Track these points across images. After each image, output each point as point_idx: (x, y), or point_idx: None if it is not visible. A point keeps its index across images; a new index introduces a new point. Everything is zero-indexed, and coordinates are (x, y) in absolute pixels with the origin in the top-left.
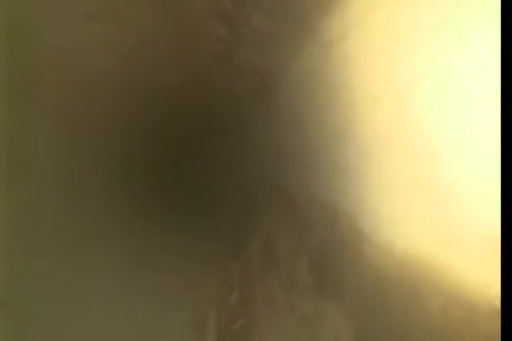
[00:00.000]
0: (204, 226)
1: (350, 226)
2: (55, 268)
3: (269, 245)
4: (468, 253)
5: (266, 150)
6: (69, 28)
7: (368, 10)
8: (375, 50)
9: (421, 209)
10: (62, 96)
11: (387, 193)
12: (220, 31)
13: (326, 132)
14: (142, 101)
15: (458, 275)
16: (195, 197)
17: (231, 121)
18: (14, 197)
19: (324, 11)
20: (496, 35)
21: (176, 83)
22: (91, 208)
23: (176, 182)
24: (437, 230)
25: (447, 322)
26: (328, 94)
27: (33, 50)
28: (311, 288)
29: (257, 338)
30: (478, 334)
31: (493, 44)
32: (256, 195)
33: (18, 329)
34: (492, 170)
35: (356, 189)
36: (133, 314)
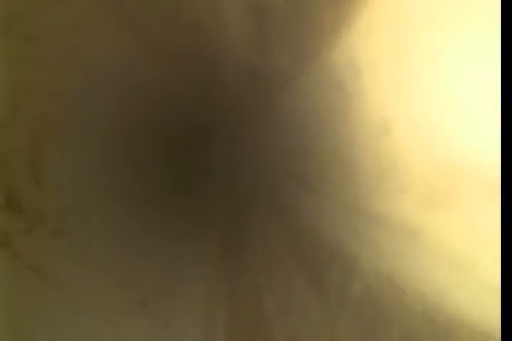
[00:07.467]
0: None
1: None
2: None
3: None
4: None
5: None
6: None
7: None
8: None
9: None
10: (67, 95)
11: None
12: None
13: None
14: (147, 97)
15: None
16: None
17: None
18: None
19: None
20: (496, 47)
21: (181, 81)
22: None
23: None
24: None
25: None
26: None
27: (33, 50)
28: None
29: None
30: None
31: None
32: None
33: None
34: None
35: None
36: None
